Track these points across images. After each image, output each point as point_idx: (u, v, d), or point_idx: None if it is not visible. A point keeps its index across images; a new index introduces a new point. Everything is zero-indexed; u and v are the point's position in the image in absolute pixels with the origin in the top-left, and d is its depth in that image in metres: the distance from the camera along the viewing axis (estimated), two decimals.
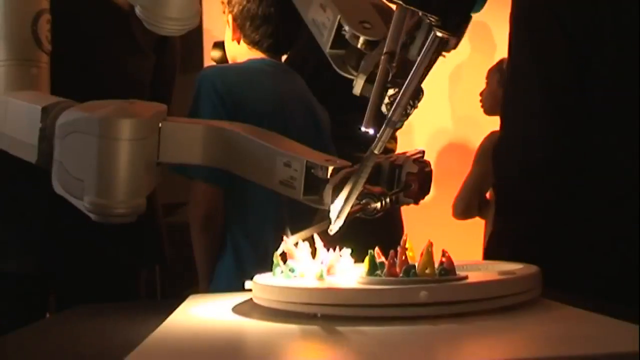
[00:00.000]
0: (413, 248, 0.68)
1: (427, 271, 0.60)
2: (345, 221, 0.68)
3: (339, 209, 0.66)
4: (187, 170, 1.17)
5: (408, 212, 1.84)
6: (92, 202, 0.69)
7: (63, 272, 1.14)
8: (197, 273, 1.23)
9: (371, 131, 0.67)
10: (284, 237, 0.67)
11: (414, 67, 0.61)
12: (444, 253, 0.62)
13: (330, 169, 0.75)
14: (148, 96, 1.22)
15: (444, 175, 2.17)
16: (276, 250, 0.67)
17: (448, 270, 0.61)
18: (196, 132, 0.80)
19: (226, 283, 1.18)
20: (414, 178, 0.77)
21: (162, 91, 1.26)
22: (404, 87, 0.62)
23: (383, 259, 0.66)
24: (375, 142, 0.63)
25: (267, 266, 0.69)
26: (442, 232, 1.88)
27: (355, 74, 0.72)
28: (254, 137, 0.80)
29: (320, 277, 0.63)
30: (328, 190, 0.73)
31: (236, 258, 1.19)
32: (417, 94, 0.63)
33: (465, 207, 1.87)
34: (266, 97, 1.25)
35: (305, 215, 0.75)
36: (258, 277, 0.67)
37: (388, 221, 1.11)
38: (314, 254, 0.68)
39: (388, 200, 0.72)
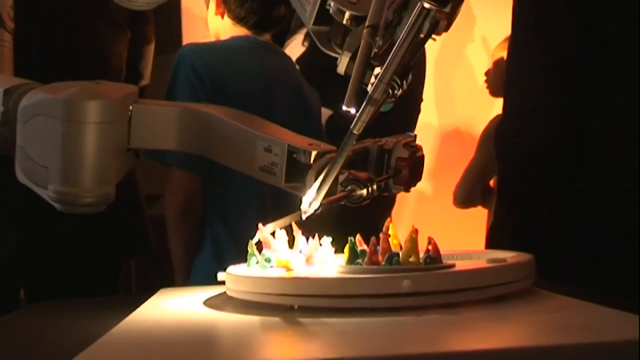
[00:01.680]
0: (397, 235, 0.68)
1: (411, 259, 0.60)
2: (327, 208, 0.68)
3: (312, 193, 0.67)
4: (163, 157, 1.18)
5: (406, 201, 1.86)
6: (56, 191, 0.70)
7: (36, 263, 1.15)
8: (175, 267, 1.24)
9: (353, 110, 0.68)
10: (259, 225, 0.67)
11: (398, 41, 0.61)
12: (430, 240, 0.62)
13: (314, 153, 0.75)
14: (124, 74, 1.22)
15: (446, 162, 2.18)
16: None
17: (434, 258, 0.61)
18: (170, 115, 0.81)
19: (205, 277, 1.18)
20: (404, 164, 0.77)
21: (138, 67, 1.26)
22: (387, 62, 0.63)
23: (364, 246, 0.66)
24: (355, 121, 0.64)
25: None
26: (443, 222, 1.90)
27: (340, 51, 0.72)
28: (232, 120, 0.80)
29: (287, 266, 0.64)
30: (311, 177, 0.74)
31: (215, 251, 1.20)
32: (404, 74, 0.63)
33: (467, 195, 1.87)
34: (250, 78, 1.24)
35: (291, 205, 0.76)
36: (232, 268, 0.68)
37: (378, 209, 1.12)
38: (292, 243, 0.69)
39: (375, 187, 0.73)
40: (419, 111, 1.65)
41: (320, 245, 0.69)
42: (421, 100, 1.66)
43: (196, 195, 1.21)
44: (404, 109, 1.51)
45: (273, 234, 0.68)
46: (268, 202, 1.19)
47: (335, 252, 0.70)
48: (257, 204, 1.20)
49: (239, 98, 1.20)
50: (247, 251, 0.69)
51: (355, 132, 0.64)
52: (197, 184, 1.21)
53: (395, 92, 0.68)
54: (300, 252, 0.68)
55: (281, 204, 1.06)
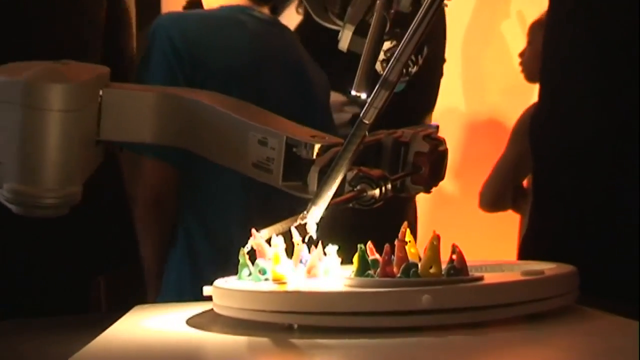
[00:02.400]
0: (415, 242, 0.69)
1: (431, 270, 0.61)
2: (333, 211, 0.70)
3: (316, 194, 0.68)
4: (134, 144, 1.16)
5: (426, 203, 1.87)
6: (12, 190, 0.71)
7: None
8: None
9: (363, 95, 0.69)
10: (253, 231, 0.68)
11: (420, 12, 0.62)
12: (454, 248, 0.63)
13: (317, 147, 0.76)
14: (100, 46, 1.22)
15: (474, 158, 2.18)
16: (242, 247, 0.68)
17: (458, 269, 0.62)
18: (147, 101, 0.82)
19: (177, 285, 1.19)
20: (424, 159, 0.78)
21: (116, 38, 1.26)
22: (405, 38, 0.63)
23: (377, 255, 0.67)
24: (366, 107, 0.65)
25: (229, 266, 0.71)
26: (470, 228, 1.90)
27: (339, 23, 0.73)
28: (221, 107, 0.81)
29: (285, 279, 0.65)
30: (313, 175, 0.75)
31: (190, 254, 1.21)
32: (420, 48, 0.64)
33: (495, 197, 1.87)
34: (236, 55, 1.23)
35: (282, 206, 0.77)
36: (220, 281, 0.68)
37: (395, 213, 1.12)
38: (291, 251, 0.70)
39: (390, 186, 0.74)
40: (441, 74, 1.66)
41: (325, 254, 0.70)
42: (444, 60, 1.66)
43: (169, 188, 1.22)
44: (423, 87, 1.52)
45: (269, 241, 0.68)
46: (254, 201, 1.19)
47: (342, 262, 0.71)
48: (241, 204, 1.21)
49: (220, 78, 1.19)
50: (226, 257, 0.70)
51: (366, 121, 0.66)
52: (172, 176, 1.22)
53: (410, 69, 0.69)
54: (301, 262, 0.69)
55: (270, 204, 1.05)
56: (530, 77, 2.03)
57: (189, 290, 1.03)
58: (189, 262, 1.20)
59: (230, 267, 0.70)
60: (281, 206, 0.78)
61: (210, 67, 1.20)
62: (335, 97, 1.47)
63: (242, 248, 0.68)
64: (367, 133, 0.68)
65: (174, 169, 1.22)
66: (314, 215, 0.67)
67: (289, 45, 1.34)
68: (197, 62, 1.20)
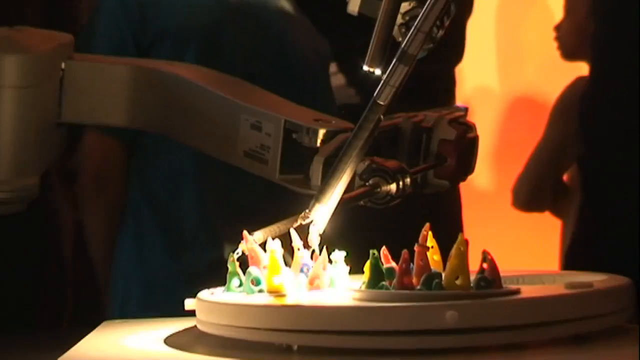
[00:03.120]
0: (438, 248, 0.69)
1: (458, 282, 0.62)
2: (342, 209, 0.70)
3: (320, 190, 0.68)
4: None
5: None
6: None
7: None
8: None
9: (377, 71, 0.69)
10: (245, 234, 0.69)
11: None
12: (485, 256, 0.64)
13: (322, 133, 0.77)
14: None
15: (510, 146, 2.17)
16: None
17: (490, 280, 0.63)
18: (118, 76, 0.82)
19: (123, 276, 1.22)
20: (449, 148, 0.79)
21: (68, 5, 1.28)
22: (428, 2, 0.64)
23: (393, 263, 0.67)
24: (381, 86, 0.65)
25: (189, 259, 0.71)
26: (504, 231, 1.89)
27: None
28: (207, 85, 0.82)
29: (276, 290, 0.65)
30: (317, 166, 0.76)
31: (139, 247, 1.23)
32: (446, 9, 0.65)
33: (531, 193, 1.85)
34: (196, 12, 1.24)
35: (260, 198, 0.78)
36: (205, 293, 0.69)
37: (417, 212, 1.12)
38: (291, 257, 0.70)
39: (408, 180, 0.74)
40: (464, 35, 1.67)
41: (330, 261, 0.70)
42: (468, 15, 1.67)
43: (115, 165, 1.27)
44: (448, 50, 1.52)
45: (263, 245, 0.69)
46: (219, 188, 1.19)
47: (351, 271, 0.71)
48: (195, 187, 1.21)
49: (172, 39, 1.21)
50: (184, 248, 0.70)
51: (380, 102, 0.66)
52: (117, 151, 1.26)
53: (435, 34, 0.70)
54: (302, 270, 0.69)
55: (242, 193, 1.09)
56: (567, 54, 2.00)
57: (136, 280, 1.05)
58: (137, 250, 1.24)
59: (189, 258, 0.70)
60: (258, 199, 0.79)
61: (155, 27, 1.22)
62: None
63: (231, 253, 0.69)
64: (382, 117, 0.68)
65: (120, 143, 1.26)
66: (317, 215, 0.68)
67: (275, 6, 1.33)
68: (147, 18, 1.22)
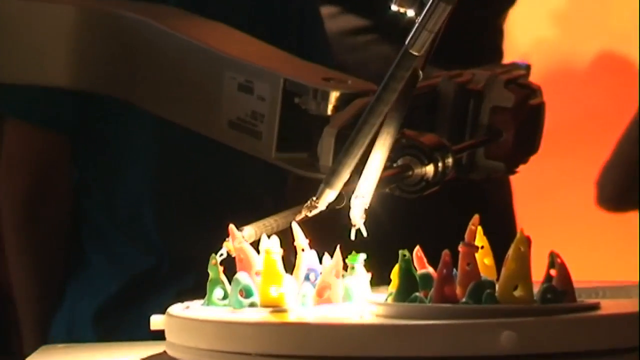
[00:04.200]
0: (489, 248, 0.70)
1: (517, 293, 0.62)
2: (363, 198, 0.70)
3: (332, 171, 0.69)
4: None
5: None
6: None
7: None
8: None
9: (410, 12, 0.69)
10: (232, 229, 0.69)
11: None
12: (553, 258, 0.64)
13: (334, 96, 0.78)
14: None
15: (585, 122, 2.16)
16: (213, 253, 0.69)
17: (560, 292, 0.63)
18: (61, 20, 0.83)
19: (68, 317, 1.23)
20: (506, 118, 0.80)
21: None
22: None
23: (429, 268, 0.68)
24: (414, 33, 0.65)
25: (154, 290, 0.71)
26: (578, 230, 1.89)
27: None
28: (179, 31, 0.82)
29: (274, 304, 0.66)
30: (327, 141, 0.77)
31: (88, 274, 1.24)
32: None
33: (620, 189, 1.86)
34: None
35: (245, 194, 0.78)
36: (176, 308, 0.69)
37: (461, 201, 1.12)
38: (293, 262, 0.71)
39: (450, 161, 0.75)
40: None
41: (346, 266, 0.70)
42: None
43: (57, 170, 1.24)
44: None
45: (256, 244, 0.69)
46: (200, 183, 1.21)
47: (373, 279, 0.72)
48: (157, 189, 1.23)
49: None
50: (151, 274, 0.70)
51: (414, 52, 0.66)
52: (61, 150, 1.23)
53: None
54: (308, 278, 0.69)
55: (222, 188, 1.13)
56: None
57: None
58: (86, 279, 1.25)
59: (155, 290, 0.71)
60: (242, 195, 0.79)
61: None
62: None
63: (213, 255, 0.69)
64: (420, 74, 0.68)
65: (62, 138, 1.22)
66: (326, 199, 0.69)
67: None
68: None
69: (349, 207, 0.69)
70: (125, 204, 1.24)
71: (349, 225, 0.69)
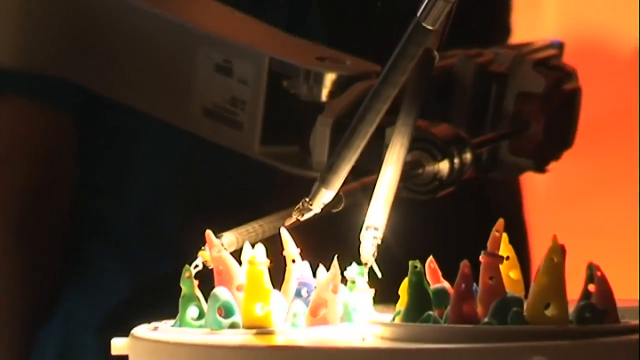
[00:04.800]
0: (516, 259, 0.70)
1: (549, 311, 0.62)
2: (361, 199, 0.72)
3: (328, 167, 0.69)
4: None
5: (538, 193, 1.87)
6: None
7: None
8: None
9: None
10: (209, 235, 0.70)
11: None
12: (592, 271, 0.64)
13: (330, 78, 0.79)
14: None
15: (629, 120, 2.18)
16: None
17: (601, 311, 0.63)
18: None
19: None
20: (535, 106, 0.81)
21: None
22: None
23: (444, 282, 0.68)
24: (427, 2, 0.66)
25: None
26: (620, 241, 1.90)
27: None
28: (146, 3, 0.83)
29: (260, 324, 0.66)
30: (322, 132, 0.78)
31: (91, 280, 1.26)
32: None
33: None
34: None
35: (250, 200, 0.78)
36: (142, 330, 0.70)
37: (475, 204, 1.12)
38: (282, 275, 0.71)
39: (469, 157, 0.76)
40: None
41: (345, 280, 0.71)
42: None
43: (63, 159, 1.24)
44: None
45: (237, 253, 0.70)
46: (228, 179, 1.21)
47: (377, 295, 0.72)
48: (179, 183, 1.24)
49: None
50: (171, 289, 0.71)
51: (428, 25, 0.66)
52: (66, 134, 1.23)
53: None
54: (299, 294, 0.69)
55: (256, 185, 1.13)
56: None
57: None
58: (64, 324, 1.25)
59: None
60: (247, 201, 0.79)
61: None
62: None
63: (187, 266, 0.70)
64: (435, 54, 0.68)
65: (69, 120, 1.22)
66: (320, 200, 0.69)
67: None
68: None
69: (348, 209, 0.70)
70: (140, 202, 1.25)
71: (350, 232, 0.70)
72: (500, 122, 0.81)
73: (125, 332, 0.73)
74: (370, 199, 0.70)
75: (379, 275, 0.70)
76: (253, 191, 1.09)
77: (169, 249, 1.21)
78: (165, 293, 0.72)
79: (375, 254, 0.70)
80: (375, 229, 0.70)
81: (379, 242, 0.70)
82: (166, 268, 1.17)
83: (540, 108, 0.80)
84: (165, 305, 0.72)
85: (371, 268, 0.70)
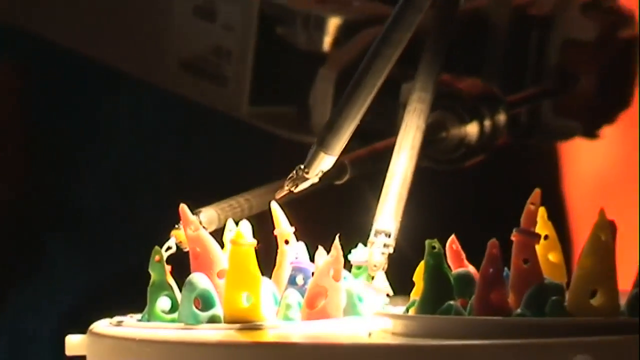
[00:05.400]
0: (557, 239, 0.70)
1: (595, 301, 0.62)
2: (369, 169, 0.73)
3: (328, 126, 0.70)
4: None
5: (582, 163, 1.88)
6: None
7: None
8: None
9: None
10: (183, 210, 0.70)
11: None
12: None
13: (332, 23, 0.79)
14: None
15: None
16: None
17: None
18: None
19: None
20: (586, 57, 0.81)
21: None
22: None
23: (469, 265, 0.69)
24: None
25: None
26: None
27: None
28: None
29: (247, 317, 0.66)
30: (324, 88, 0.78)
31: (49, 274, 1.28)
32: None
33: None
34: None
35: None
36: (103, 324, 0.70)
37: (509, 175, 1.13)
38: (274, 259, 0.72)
39: (503, 118, 0.76)
40: None
41: (348, 265, 0.71)
42: None
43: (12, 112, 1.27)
44: None
45: (218, 234, 0.70)
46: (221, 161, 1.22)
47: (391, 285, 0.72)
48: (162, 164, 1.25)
49: None
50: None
51: None
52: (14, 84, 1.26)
53: None
54: (294, 281, 0.70)
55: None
56: None
57: None
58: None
59: None
60: None
61: None
62: None
63: (157, 248, 0.70)
64: None
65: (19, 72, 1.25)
66: (320, 165, 0.69)
67: None
68: None
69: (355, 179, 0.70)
70: (117, 183, 1.28)
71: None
72: (543, 76, 0.81)
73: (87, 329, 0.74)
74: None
75: (390, 293, 0.70)
76: (241, 162, 1.09)
77: (141, 233, 1.21)
78: (138, 284, 0.73)
79: (386, 266, 0.70)
80: (387, 235, 0.70)
81: (391, 252, 0.70)
82: (138, 256, 1.20)
83: (591, 59, 0.80)
84: (137, 298, 0.72)
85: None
